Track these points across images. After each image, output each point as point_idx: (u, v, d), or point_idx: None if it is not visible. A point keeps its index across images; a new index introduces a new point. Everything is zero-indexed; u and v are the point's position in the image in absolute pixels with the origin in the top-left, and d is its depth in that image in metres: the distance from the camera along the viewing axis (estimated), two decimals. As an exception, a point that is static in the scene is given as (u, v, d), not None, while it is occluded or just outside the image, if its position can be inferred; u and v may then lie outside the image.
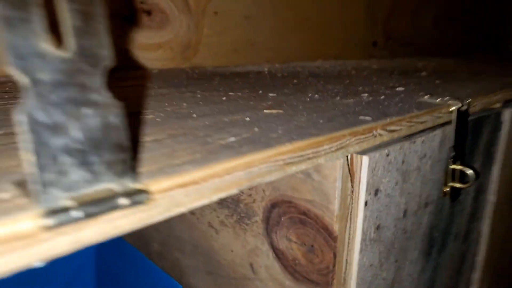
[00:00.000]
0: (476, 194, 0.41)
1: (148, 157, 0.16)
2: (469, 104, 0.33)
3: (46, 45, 0.11)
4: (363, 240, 0.24)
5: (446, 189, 0.33)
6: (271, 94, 0.33)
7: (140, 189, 0.13)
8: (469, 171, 0.32)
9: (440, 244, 0.36)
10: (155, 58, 0.50)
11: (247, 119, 0.23)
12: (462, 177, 0.33)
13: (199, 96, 0.31)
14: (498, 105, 0.43)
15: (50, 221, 0.11)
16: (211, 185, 0.15)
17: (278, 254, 0.27)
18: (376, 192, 0.24)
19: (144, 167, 0.15)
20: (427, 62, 0.77)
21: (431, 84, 0.43)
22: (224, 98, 0.30)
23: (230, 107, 0.27)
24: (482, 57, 1.05)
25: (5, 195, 0.12)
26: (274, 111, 0.26)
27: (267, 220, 0.27)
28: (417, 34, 0.96)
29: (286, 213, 0.26)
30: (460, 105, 0.31)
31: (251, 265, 0.29)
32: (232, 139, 0.19)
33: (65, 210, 0.11)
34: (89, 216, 0.12)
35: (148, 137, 0.19)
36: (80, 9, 0.11)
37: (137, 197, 0.13)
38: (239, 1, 0.57)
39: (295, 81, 0.43)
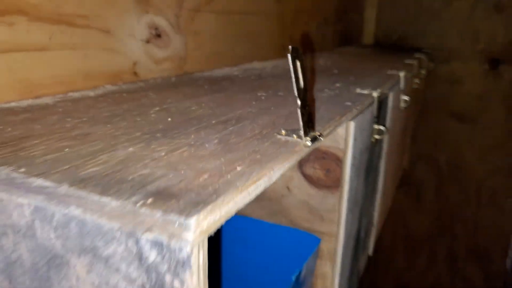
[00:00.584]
0: (379, 142, 0.70)
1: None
2: (379, 92, 0.60)
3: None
4: (352, 164, 0.50)
5: (373, 140, 0.61)
6: (279, 93, 0.56)
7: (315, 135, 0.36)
8: (383, 128, 0.61)
9: (369, 171, 0.64)
10: (164, 68, 0.68)
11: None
12: (379, 132, 0.61)
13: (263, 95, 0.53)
14: (386, 90, 0.73)
15: (308, 143, 0.33)
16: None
17: (307, 177, 0.51)
18: (355, 139, 0.50)
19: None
20: (323, 59, 1.07)
21: (349, 80, 0.71)
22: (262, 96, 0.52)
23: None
24: (348, 51, 1.41)
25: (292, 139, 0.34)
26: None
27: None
28: (308, 38, 1.26)
29: (312, 154, 0.50)
30: (378, 93, 0.59)
31: (287, 187, 0.52)
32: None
33: (314, 138, 0.33)
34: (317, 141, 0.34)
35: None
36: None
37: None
38: (208, 23, 0.78)
39: (272, 82, 0.66)
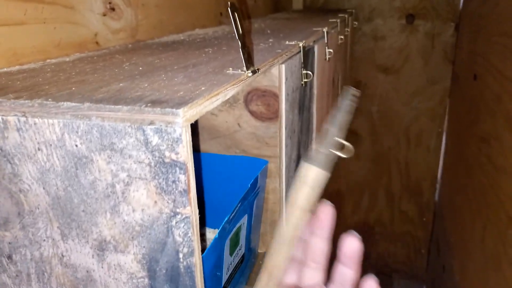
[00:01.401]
0: (310, 88, 0.84)
1: (239, 65, 0.51)
2: (304, 43, 0.74)
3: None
4: (286, 100, 0.63)
5: (302, 82, 0.74)
6: (223, 48, 0.67)
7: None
8: (309, 72, 0.74)
9: (302, 109, 0.77)
10: (120, 38, 0.77)
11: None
12: (307, 76, 0.75)
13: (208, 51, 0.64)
14: (311, 43, 0.86)
15: (249, 74, 0.45)
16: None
17: (252, 113, 0.63)
18: (286, 78, 0.63)
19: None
20: (258, 23, 1.19)
21: (280, 37, 0.83)
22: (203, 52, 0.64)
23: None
24: (279, 16, 1.54)
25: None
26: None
27: (245, 99, 0.63)
28: (241, 5, 1.37)
29: (255, 94, 0.62)
30: (303, 43, 0.72)
31: (238, 124, 0.65)
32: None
33: (254, 71, 0.46)
34: (256, 73, 0.46)
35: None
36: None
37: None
38: (153, -5, 0.87)
39: (216, 42, 0.77)
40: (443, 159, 2.04)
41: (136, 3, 0.81)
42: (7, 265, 0.42)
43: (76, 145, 0.35)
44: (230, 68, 0.47)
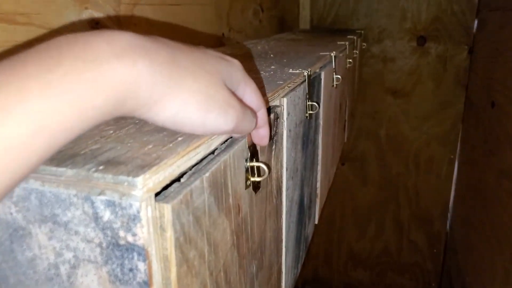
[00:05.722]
0: (315, 119, 0.76)
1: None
2: (310, 71, 0.66)
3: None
4: (288, 136, 0.55)
5: (307, 114, 0.66)
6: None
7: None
8: (315, 104, 0.66)
9: (306, 144, 0.69)
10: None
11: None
12: (312, 108, 0.67)
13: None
14: (318, 70, 0.78)
15: None
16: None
17: (249, 152, 0.55)
18: (289, 113, 0.55)
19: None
20: (261, 45, 1.12)
21: (283, 62, 0.76)
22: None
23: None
24: (284, 37, 1.47)
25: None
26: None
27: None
28: (245, 24, 1.31)
29: (252, 131, 0.54)
30: (308, 72, 0.64)
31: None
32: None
33: (247, 111, 0.38)
34: (246, 115, 0.38)
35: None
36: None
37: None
38: (146, 15, 0.80)
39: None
40: (455, 187, 1.94)
41: (127, 23, 0.74)
42: None
43: (11, 213, 0.27)
44: (219, 108, 0.39)
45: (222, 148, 0.35)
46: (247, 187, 0.39)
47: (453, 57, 1.79)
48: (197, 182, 0.29)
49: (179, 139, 0.30)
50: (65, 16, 0.59)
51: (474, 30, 1.72)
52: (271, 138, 0.48)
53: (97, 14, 0.66)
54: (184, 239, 0.27)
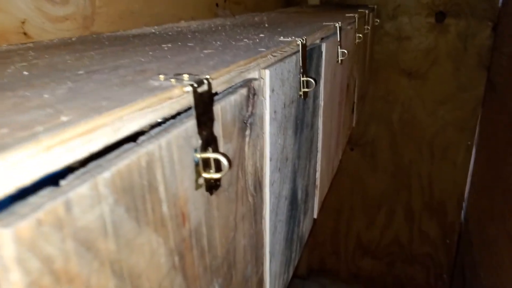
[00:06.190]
0: (314, 99, 0.65)
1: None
2: (305, 39, 0.54)
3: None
4: (273, 119, 0.44)
5: (301, 93, 0.55)
6: (189, 44, 0.49)
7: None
8: (311, 81, 0.55)
9: (300, 128, 0.58)
10: (64, 28, 0.59)
11: (202, 55, 0.40)
12: (307, 85, 0.56)
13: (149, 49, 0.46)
14: (318, 41, 0.67)
15: (187, 88, 0.27)
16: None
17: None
18: (273, 90, 0.44)
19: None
20: (260, 17, 1.00)
21: (277, 31, 0.64)
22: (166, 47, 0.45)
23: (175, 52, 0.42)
24: (290, 10, 1.35)
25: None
26: (206, 51, 0.43)
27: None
28: (245, -5, 1.18)
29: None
30: (302, 41, 0.53)
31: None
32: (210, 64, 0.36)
33: (200, 81, 0.27)
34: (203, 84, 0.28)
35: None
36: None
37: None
38: (118, -24, 0.69)
39: (189, 36, 0.59)
40: (471, 176, 1.81)
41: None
42: None
43: None
44: (161, 77, 0.28)
45: (152, 134, 0.24)
46: (198, 187, 0.29)
47: (475, 35, 1.64)
48: (84, 188, 0.18)
49: (64, 119, 0.20)
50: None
51: (500, 4, 1.56)
52: (243, 121, 0.37)
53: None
54: (54, 281, 0.17)
